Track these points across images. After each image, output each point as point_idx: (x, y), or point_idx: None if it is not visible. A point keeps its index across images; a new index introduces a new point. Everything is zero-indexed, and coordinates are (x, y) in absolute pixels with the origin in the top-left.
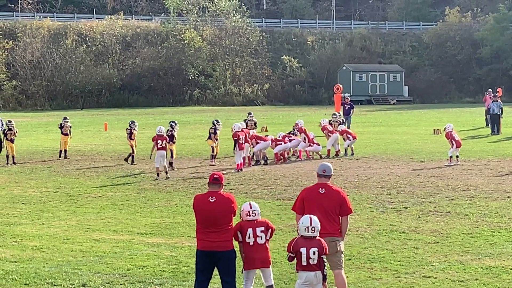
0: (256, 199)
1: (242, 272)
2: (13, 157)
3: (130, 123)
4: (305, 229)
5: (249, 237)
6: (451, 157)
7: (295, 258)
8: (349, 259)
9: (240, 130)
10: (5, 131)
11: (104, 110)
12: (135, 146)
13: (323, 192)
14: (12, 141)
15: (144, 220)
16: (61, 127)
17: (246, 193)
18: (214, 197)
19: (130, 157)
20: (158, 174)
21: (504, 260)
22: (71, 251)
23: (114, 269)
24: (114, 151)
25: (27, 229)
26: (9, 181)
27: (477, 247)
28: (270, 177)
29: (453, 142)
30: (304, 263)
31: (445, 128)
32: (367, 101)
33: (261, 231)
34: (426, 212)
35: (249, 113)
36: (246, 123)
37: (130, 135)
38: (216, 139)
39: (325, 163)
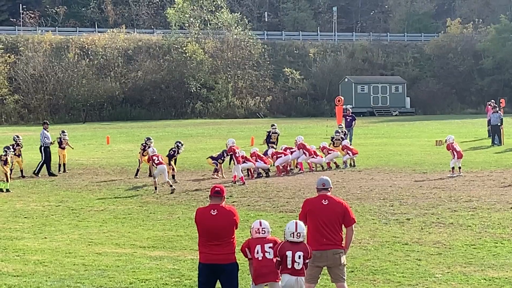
0: (259, 211)
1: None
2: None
3: (146, 139)
4: (290, 234)
5: (257, 253)
6: (453, 168)
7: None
8: (352, 271)
9: (234, 144)
10: (59, 140)
11: (106, 124)
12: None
13: (326, 203)
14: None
15: (146, 233)
16: (60, 142)
17: (248, 205)
18: (216, 210)
19: (136, 170)
20: (155, 188)
21: (507, 271)
22: (74, 265)
23: (116, 282)
24: (116, 164)
25: (30, 243)
26: (11, 195)
27: (480, 259)
28: (272, 190)
29: (455, 153)
30: (289, 266)
31: (446, 140)
32: (369, 113)
33: (269, 247)
34: (429, 223)
35: (272, 125)
36: (270, 135)
37: (143, 151)
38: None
39: (323, 177)
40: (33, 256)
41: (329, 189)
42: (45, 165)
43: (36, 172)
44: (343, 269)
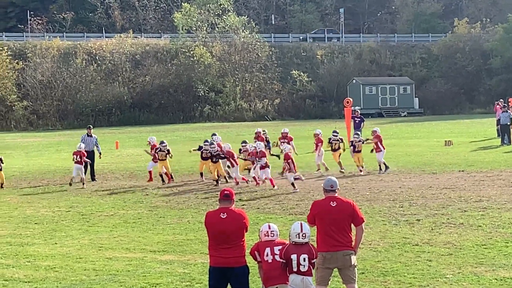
0: (268, 214)
1: None
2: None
3: (160, 143)
4: (296, 235)
5: (267, 255)
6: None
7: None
8: (362, 273)
9: (230, 149)
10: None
11: (115, 129)
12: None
13: (334, 205)
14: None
15: (156, 237)
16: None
17: (258, 208)
18: (225, 213)
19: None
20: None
21: None
22: (84, 270)
23: (127, 287)
24: (126, 169)
25: (40, 249)
26: (21, 201)
27: (491, 259)
28: (281, 192)
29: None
30: (295, 269)
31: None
32: (378, 114)
33: (279, 250)
34: (439, 224)
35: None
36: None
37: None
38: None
39: (331, 178)
40: (44, 261)
41: (337, 190)
42: (87, 168)
43: (92, 177)
44: (354, 271)
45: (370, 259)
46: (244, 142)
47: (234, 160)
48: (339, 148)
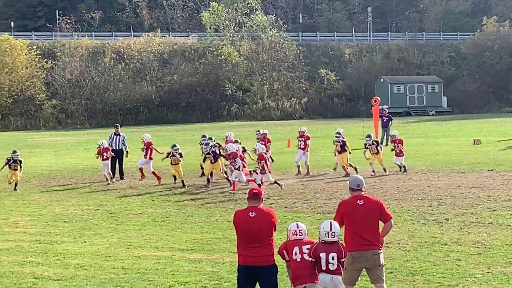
0: (296, 213)
1: None
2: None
3: (172, 147)
4: (325, 234)
5: (295, 254)
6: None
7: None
8: (391, 272)
9: (236, 150)
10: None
11: (143, 127)
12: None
13: (361, 203)
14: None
15: (185, 236)
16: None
17: (286, 207)
18: (254, 212)
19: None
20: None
21: None
22: (113, 268)
23: (156, 285)
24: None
25: (70, 247)
26: (50, 200)
27: None
28: (309, 191)
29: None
30: (323, 268)
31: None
32: (406, 113)
33: (307, 249)
34: (468, 223)
35: (339, 132)
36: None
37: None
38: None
39: (357, 176)
40: (73, 260)
41: (363, 189)
42: (115, 165)
43: (121, 175)
44: (382, 270)
45: (399, 258)
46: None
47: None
48: (345, 150)
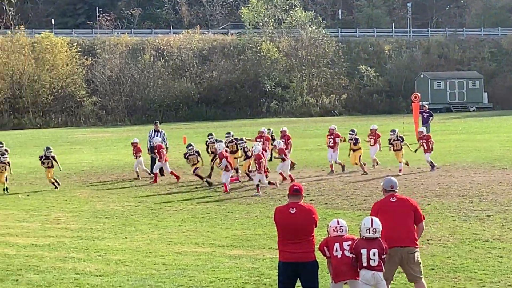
0: (336, 209)
1: (330, 284)
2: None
3: (187, 146)
4: (366, 230)
5: (336, 251)
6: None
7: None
8: (432, 269)
9: (224, 150)
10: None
11: (183, 124)
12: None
13: (394, 200)
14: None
15: (225, 232)
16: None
17: (326, 204)
18: (294, 209)
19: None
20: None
21: None
22: (154, 264)
23: (196, 281)
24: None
25: (111, 243)
26: (91, 196)
27: None
28: (349, 188)
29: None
30: (365, 264)
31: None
32: (446, 109)
33: (348, 245)
34: (510, 220)
35: (353, 129)
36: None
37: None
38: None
39: (391, 178)
40: (114, 256)
41: (396, 190)
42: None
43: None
44: (419, 267)
45: (440, 255)
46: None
47: (230, 164)
48: (359, 148)
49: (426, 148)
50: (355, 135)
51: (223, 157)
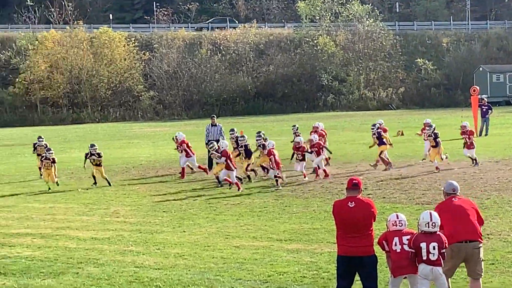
0: (394, 203)
1: (389, 279)
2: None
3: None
4: (425, 224)
5: (395, 245)
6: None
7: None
8: (492, 264)
9: (227, 148)
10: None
11: (239, 118)
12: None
13: (456, 200)
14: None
15: (282, 226)
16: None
17: (384, 198)
18: (353, 202)
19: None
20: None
21: None
22: (212, 258)
23: (255, 275)
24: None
25: (169, 237)
26: (149, 190)
27: None
28: (407, 182)
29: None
30: (424, 258)
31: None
32: (505, 102)
33: (407, 239)
34: None
35: (375, 123)
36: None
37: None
38: None
39: (452, 181)
40: (173, 249)
41: (458, 193)
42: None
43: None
44: (481, 265)
45: (500, 249)
46: (242, 136)
47: (233, 163)
48: (383, 143)
49: (469, 143)
50: (377, 129)
51: (226, 155)
